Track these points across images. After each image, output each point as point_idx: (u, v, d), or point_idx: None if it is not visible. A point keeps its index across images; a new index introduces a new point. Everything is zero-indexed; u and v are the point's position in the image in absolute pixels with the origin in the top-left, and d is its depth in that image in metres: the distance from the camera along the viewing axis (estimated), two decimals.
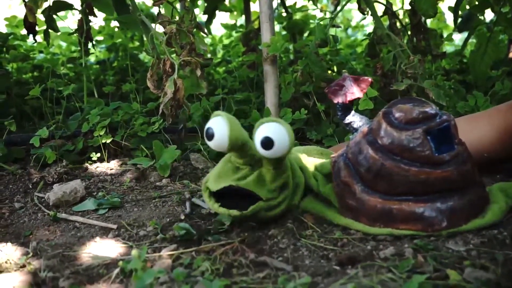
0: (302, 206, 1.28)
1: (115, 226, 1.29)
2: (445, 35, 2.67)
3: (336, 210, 1.25)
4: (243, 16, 2.99)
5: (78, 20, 2.05)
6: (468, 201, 1.17)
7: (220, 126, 1.15)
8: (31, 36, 2.09)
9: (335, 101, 1.27)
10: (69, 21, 3.40)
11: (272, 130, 1.14)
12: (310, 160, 1.34)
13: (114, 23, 2.82)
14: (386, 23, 2.08)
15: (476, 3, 2.24)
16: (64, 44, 3.19)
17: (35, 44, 2.64)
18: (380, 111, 1.22)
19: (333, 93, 1.27)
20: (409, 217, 1.14)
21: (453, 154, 1.15)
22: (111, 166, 1.70)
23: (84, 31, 2.02)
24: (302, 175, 1.30)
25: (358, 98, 1.32)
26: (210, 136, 1.15)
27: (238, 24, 3.42)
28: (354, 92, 1.26)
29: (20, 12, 3.22)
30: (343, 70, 2.09)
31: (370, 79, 1.27)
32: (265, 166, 1.20)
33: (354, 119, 1.27)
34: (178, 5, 2.33)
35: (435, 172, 1.14)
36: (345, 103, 1.27)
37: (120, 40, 2.79)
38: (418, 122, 1.16)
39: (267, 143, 1.13)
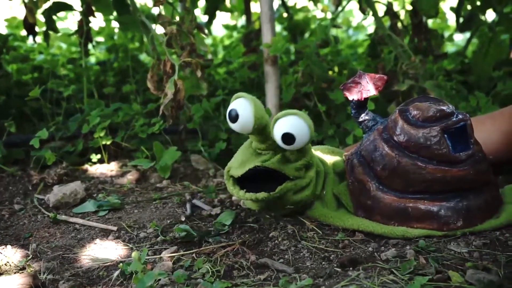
0: (309, 214, 1.26)
1: (115, 228, 1.28)
2: (446, 35, 2.66)
3: (344, 211, 1.24)
4: (244, 17, 2.98)
5: (78, 21, 2.05)
6: (484, 201, 1.16)
7: (244, 106, 1.13)
8: (31, 37, 2.08)
9: (350, 98, 1.26)
10: (69, 22, 3.39)
11: (292, 124, 1.12)
12: (326, 157, 1.33)
13: (115, 24, 2.81)
14: (387, 23, 2.07)
15: (478, 3, 2.23)
16: (64, 45, 3.18)
17: (35, 45, 2.64)
18: (396, 108, 1.21)
19: (348, 90, 1.25)
20: (425, 216, 1.14)
21: (469, 154, 1.15)
22: (111, 168, 1.70)
23: (84, 32, 2.02)
24: (322, 165, 1.27)
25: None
26: (234, 118, 1.13)
27: (239, 24, 3.41)
28: (369, 89, 1.24)
29: (20, 13, 3.22)
30: (344, 71, 2.09)
31: (385, 77, 1.25)
32: (288, 150, 1.17)
33: (368, 117, 1.26)
34: (178, 6, 2.32)
35: (452, 171, 1.13)
36: (360, 100, 1.25)
37: (120, 41, 2.78)
38: (435, 120, 1.16)
39: (288, 138, 1.12)
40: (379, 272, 1.00)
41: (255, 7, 2.95)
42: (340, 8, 2.09)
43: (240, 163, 1.18)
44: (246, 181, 1.18)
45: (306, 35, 2.72)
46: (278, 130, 1.13)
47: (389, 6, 2.00)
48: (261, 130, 1.15)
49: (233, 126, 1.14)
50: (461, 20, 2.33)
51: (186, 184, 1.55)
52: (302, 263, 1.07)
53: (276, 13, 2.74)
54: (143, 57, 2.93)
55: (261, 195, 1.15)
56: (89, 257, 1.15)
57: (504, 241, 1.10)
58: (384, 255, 1.07)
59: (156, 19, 1.77)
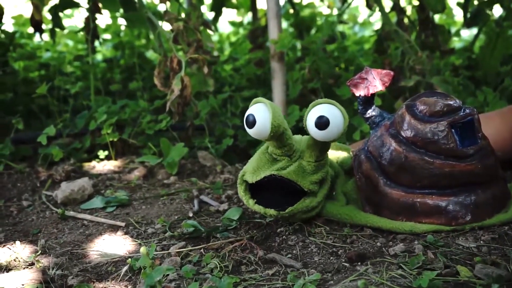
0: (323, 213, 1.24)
1: (123, 224, 1.28)
2: (453, 30, 2.65)
3: (352, 207, 1.23)
4: (250, 13, 2.98)
5: (85, 18, 2.05)
6: (492, 195, 1.16)
7: (262, 112, 1.10)
8: (37, 34, 2.09)
9: (357, 94, 1.25)
10: (75, 19, 3.40)
11: (327, 110, 1.09)
12: (334, 154, 1.31)
13: (121, 21, 2.81)
14: (394, 19, 2.06)
15: None
16: (70, 43, 3.19)
17: (42, 43, 2.64)
18: (403, 104, 1.21)
19: (355, 86, 1.24)
20: (433, 211, 1.14)
21: (477, 148, 1.14)
22: (119, 164, 1.70)
23: (90, 29, 2.02)
24: (332, 170, 1.25)
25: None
26: (251, 124, 1.10)
27: (245, 21, 3.41)
28: (376, 85, 1.24)
29: (27, 10, 3.23)
30: (350, 67, 2.09)
31: (392, 73, 1.24)
32: (306, 159, 1.15)
33: (374, 113, 1.26)
34: (185, 3, 2.32)
35: (460, 165, 1.13)
36: (366, 96, 1.25)
37: (127, 38, 2.79)
38: (443, 115, 1.15)
39: (322, 123, 1.08)
40: (388, 267, 1.00)
41: (261, 4, 2.95)
42: (346, 4, 2.08)
43: (255, 168, 1.16)
44: (259, 187, 1.16)
45: (313, 31, 2.71)
46: (312, 115, 1.10)
47: (396, 1, 2.00)
48: (279, 136, 1.13)
49: (250, 131, 1.12)
50: (468, 15, 2.32)
51: (194, 180, 1.55)
52: (310, 258, 1.07)
53: (282, 10, 2.73)
54: (150, 54, 2.93)
55: (270, 211, 1.14)
56: (97, 253, 1.15)
57: None
58: (392, 250, 1.06)
59: (162, 15, 1.77)
